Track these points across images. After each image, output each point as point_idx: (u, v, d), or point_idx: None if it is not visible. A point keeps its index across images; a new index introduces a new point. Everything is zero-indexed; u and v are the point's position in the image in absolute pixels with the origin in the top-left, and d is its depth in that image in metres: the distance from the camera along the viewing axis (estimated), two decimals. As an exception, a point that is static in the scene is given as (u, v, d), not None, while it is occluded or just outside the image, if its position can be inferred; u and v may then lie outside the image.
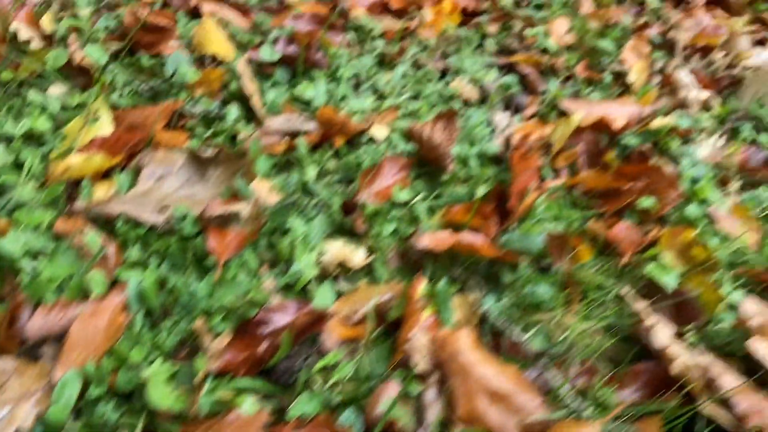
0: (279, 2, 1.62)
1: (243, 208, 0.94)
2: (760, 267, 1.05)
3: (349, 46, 1.43)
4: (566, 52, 1.54)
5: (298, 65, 1.29)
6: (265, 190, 1.02)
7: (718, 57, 1.50)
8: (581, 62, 1.50)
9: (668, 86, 1.43)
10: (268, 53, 1.26)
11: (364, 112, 1.25)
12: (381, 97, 1.31)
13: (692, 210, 1.09)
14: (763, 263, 1.06)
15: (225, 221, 0.92)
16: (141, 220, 0.92)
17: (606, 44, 1.52)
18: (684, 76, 1.39)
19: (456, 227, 1.01)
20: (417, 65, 1.42)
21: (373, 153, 1.14)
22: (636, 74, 1.44)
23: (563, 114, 1.33)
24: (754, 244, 1.09)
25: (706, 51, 1.60)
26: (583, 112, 1.31)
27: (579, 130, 1.24)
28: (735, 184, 1.19)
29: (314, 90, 1.24)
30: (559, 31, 1.60)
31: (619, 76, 1.46)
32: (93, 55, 1.22)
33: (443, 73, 1.41)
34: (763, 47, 1.66)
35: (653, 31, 1.67)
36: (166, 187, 0.99)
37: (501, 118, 1.30)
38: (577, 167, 1.20)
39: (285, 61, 1.30)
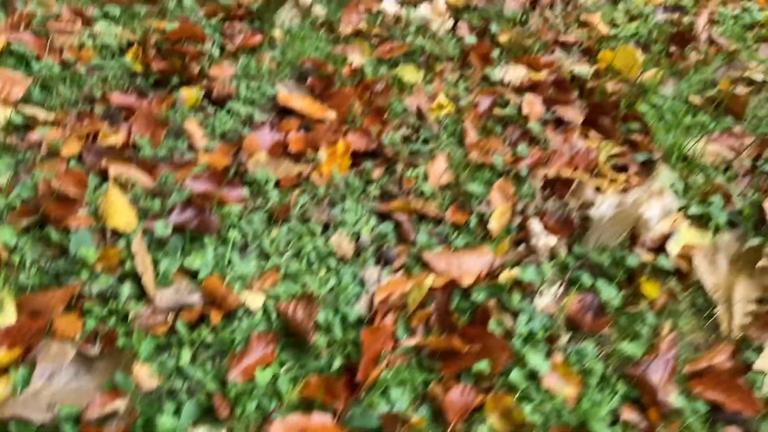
0: (189, 146, 1.80)
1: (120, 405, 1.11)
2: (572, 424, 1.24)
3: (243, 201, 1.61)
4: (441, 193, 1.74)
5: (191, 233, 1.46)
6: (146, 375, 1.19)
7: (572, 201, 1.70)
8: (452, 205, 1.69)
9: (524, 230, 1.62)
10: (161, 228, 1.44)
11: (248, 277, 1.42)
12: (266, 256, 1.49)
13: (517, 373, 1.28)
14: (577, 419, 1.25)
15: (104, 420, 1.09)
16: (31, 421, 1.09)
17: (475, 187, 1.72)
18: (535, 224, 1.59)
19: (311, 403, 1.19)
20: (304, 218, 1.60)
21: (248, 326, 1.32)
22: (496, 219, 1.63)
23: (426, 266, 1.51)
24: (572, 400, 1.28)
25: (568, 184, 1.80)
26: (443, 264, 1.50)
27: (433, 289, 1.42)
28: (564, 338, 1.38)
29: (202, 259, 1.42)
30: (437, 170, 1.79)
31: (484, 219, 1.65)
32: (3, 237, 1.39)
33: (326, 226, 1.59)
34: (618, 189, 1.87)
35: (525, 163, 1.87)
36: (56, 384, 1.15)
37: (371, 273, 1.48)
38: (430, 326, 1.39)
39: (180, 228, 1.48)
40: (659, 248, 1.65)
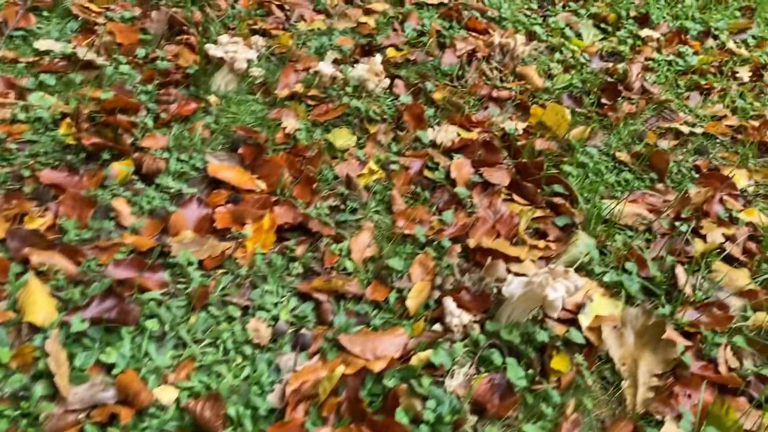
0: (117, 225, 1.83)
1: None
2: None
3: (164, 285, 1.64)
4: (364, 267, 1.78)
5: (110, 323, 1.49)
6: (52, 484, 1.22)
7: (487, 276, 1.76)
8: (374, 281, 1.74)
9: (441, 306, 1.67)
10: (77, 324, 1.46)
11: (163, 369, 1.45)
12: (183, 345, 1.53)
13: (418, 465, 1.32)
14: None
15: None
16: None
17: (397, 262, 1.77)
18: (449, 302, 1.64)
19: (215, 504, 1.23)
20: (224, 302, 1.63)
21: (159, 423, 1.35)
22: (414, 296, 1.68)
23: (343, 349, 1.56)
24: (473, 487, 1.33)
25: (489, 253, 1.86)
26: (358, 348, 1.55)
27: (346, 375, 1.47)
28: (470, 422, 1.43)
29: (118, 352, 1.45)
30: (361, 244, 1.84)
31: (403, 295, 1.70)
32: None
33: (246, 309, 1.63)
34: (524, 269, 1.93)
35: (449, 232, 1.92)
36: (-40, 498, 1.17)
37: (287, 360, 1.52)
38: (341, 414, 1.43)
39: (98, 320, 1.50)
40: (573, 319, 1.71)
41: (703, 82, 3.12)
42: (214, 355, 1.51)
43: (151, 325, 1.53)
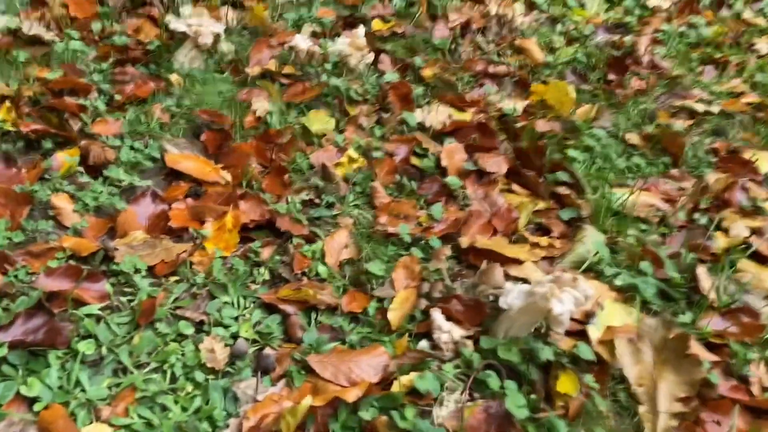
0: (57, 225, 1.59)
1: None
2: None
3: (105, 298, 1.41)
4: (340, 272, 1.55)
5: (35, 347, 1.26)
6: None
7: (482, 283, 1.52)
8: (351, 288, 1.51)
9: (429, 318, 1.44)
10: (-6, 349, 1.23)
11: (97, 402, 1.22)
12: (123, 371, 1.29)
13: None
14: None
15: None
16: None
17: (377, 267, 1.53)
18: (438, 316, 1.41)
19: None
20: (175, 316, 1.40)
21: (87, 472, 1.12)
22: (397, 307, 1.45)
23: (312, 373, 1.33)
24: None
25: (484, 254, 1.62)
26: (329, 372, 1.32)
27: (313, 407, 1.24)
28: (461, 462, 1.21)
29: (42, 384, 1.22)
30: (337, 245, 1.60)
31: (384, 306, 1.47)
32: None
33: (200, 325, 1.40)
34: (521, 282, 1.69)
35: (438, 229, 1.69)
36: None
37: (246, 387, 1.29)
38: (307, 454, 1.20)
39: (21, 344, 1.27)
40: (581, 331, 1.48)
41: (717, 55, 2.86)
42: (159, 384, 1.27)
43: (86, 347, 1.30)
